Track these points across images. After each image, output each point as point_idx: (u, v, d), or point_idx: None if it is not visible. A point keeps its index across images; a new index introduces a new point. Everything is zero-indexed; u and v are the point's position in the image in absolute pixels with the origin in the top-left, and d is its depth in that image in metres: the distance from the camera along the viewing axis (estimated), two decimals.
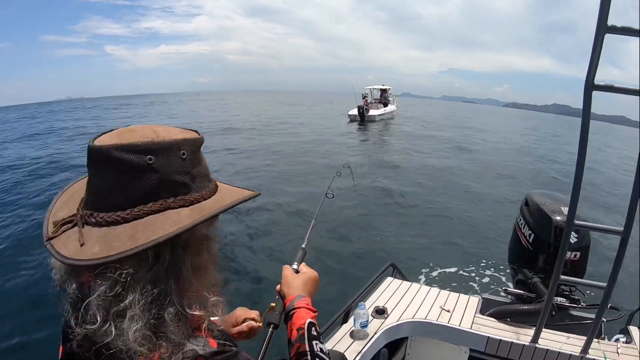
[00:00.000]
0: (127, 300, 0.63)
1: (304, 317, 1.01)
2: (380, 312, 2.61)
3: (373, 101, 35.72)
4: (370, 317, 2.53)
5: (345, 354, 2.04)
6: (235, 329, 1.16)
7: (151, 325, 0.64)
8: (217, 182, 0.80)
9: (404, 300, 2.76)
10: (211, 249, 0.76)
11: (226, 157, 14.74)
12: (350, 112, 33.07)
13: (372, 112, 32.43)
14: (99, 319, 0.62)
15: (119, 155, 0.64)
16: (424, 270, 6.04)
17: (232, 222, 7.46)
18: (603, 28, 1.43)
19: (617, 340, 2.41)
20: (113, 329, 0.62)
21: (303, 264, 1.23)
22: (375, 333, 2.42)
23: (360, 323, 2.36)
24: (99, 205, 0.68)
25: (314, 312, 1.05)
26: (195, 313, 0.69)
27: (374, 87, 37.57)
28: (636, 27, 1.41)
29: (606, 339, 2.43)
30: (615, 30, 1.43)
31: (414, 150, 17.97)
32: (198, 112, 44.67)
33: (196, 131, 0.77)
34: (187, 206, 0.69)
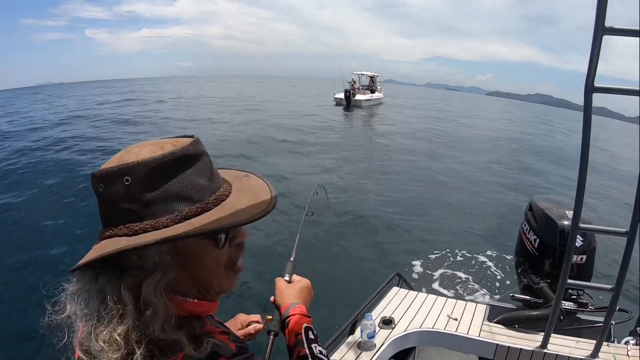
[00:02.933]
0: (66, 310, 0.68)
1: (300, 323, 1.04)
2: (387, 322, 2.59)
3: (360, 87, 35.93)
4: (377, 328, 2.51)
5: None
6: (242, 332, 1.18)
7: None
8: (227, 189, 0.77)
9: (410, 310, 2.75)
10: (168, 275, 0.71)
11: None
12: (337, 96, 33.34)
13: (358, 96, 32.63)
14: None
15: (91, 183, 0.71)
16: (429, 278, 6.01)
17: None
18: (601, 29, 1.43)
19: (627, 342, 2.39)
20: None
21: (294, 275, 1.26)
22: (382, 344, 2.40)
23: (367, 334, 2.34)
24: None
25: (309, 317, 1.08)
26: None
27: (363, 72, 37.73)
28: (634, 27, 1.42)
29: (616, 342, 2.41)
30: (613, 31, 1.43)
31: (406, 147, 17.87)
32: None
33: (188, 144, 0.72)
34: (130, 235, 0.67)
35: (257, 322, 1.22)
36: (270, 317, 1.17)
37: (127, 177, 0.66)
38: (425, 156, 15.37)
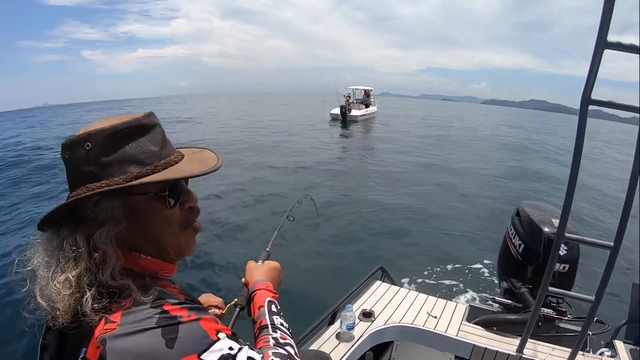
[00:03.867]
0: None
1: (264, 297, 1.08)
2: (367, 315, 2.60)
3: (355, 101, 35.87)
4: (357, 320, 2.53)
5: (330, 355, 2.04)
6: None
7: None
8: (178, 157, 0.86)
9: (391, 305, 2.76)
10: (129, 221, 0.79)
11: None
12: (333, 112, 33.24)
13: (354, 112, 32.58)
14: None
15: (61, 152, 0.81)
16: (413, 275, 6.04)
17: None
18: (603, 44, 1.43)
19: (601, 353, 2.42)
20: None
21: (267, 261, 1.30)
22: (361, 336, 2.42)
23: (347, 325, 2.36)
24: None
25: (274, 293, 1.12)
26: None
27: (357, 87, 37.75)
28: (635, 43, 1.41)
29: (591, 352, 2.44)
30: (615, 46, 1.43)
31: (398, 151, 18.06)
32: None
33: (142, 115, 0.82)
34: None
35: (218, 307, 1.26)
36: (236, 299, 1.21)
37: (87, 143, 0.76)
38: (415, 166, 15.39)
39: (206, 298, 1.28)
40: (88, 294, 0.71)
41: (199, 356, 0.70)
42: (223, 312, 1.24)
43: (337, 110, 32.08)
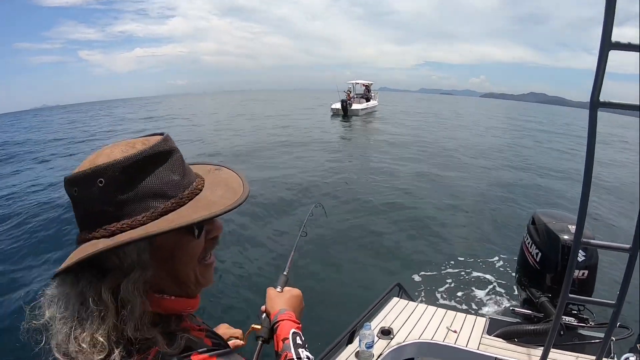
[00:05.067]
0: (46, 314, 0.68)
1: (288, 328, 1.05)
2: (386, 332, 2.58)
3: (356, 96, 36.26)
4: (376, 338, 2.50)
5: None
6: None
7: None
8: (200, 183, 0.78)
9: (410, 321, 2.73)
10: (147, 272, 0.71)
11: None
12: (334, 106, 33.53)
13: (355, 106, 32.94)
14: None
15: (65, 188, 0.71)
16: (429, 290, 5.98)
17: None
18: (607, 44, 1.43)
19: (626, 359, 2.37)
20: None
21: (286, 287, 1.27)
22: (380, 354, 2.39)
23: (366, 344, 2.33)
24: None
25: (298, 323, 1.10)
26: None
27: (358, 81, 38.10)
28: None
29: (615, 358, 2.39)
30: (620, 46, 1.43)
31: (402, 154, 17.78)
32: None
33: (158, 141, 0.72)
34: (107, 236, 0.68)
35: (238, 338, 1.21)
36: (256, 326, 1.17)
37: (100, 179, 0.66)
38: (426, 165, 15.28)
39: (224, 329, 1.22)
40: (116, 352, 0.64)
41: None
42: (244, 343, 1.20)
43: (338, 105, 32.38)
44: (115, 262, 0.68)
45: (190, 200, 0.74)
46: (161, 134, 0.76)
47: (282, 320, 1.09)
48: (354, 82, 37.64)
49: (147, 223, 0.68)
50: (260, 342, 1.15)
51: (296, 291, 1.23)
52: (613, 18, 1.39)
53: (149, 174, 0.70)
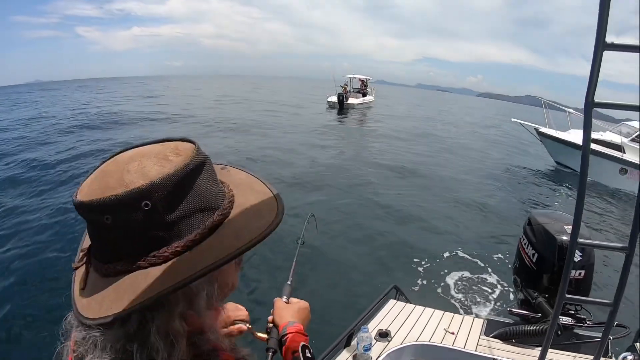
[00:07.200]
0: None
1: (297, 341, 1.06)
2: (384, 335, 2.57)
3: (352, 90, 36.07)
4: (374, 341, 2.50)
5: None
6: (226, 331, 1.10)
7: None
8: (231, 191, 0.71)
9: (407, 323, 2.73)
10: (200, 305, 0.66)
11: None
12: (330, 99, 33.27)
13: (351, 100, 32.72)
14: None
15: (85, 215, 0.62)
16: (426, 292, 5.97)
17: None
18: (602, 45, 1.44)
19: (624, 358, 2.37)
20: None
21: (292, 297, 1.27)
22: (378, 356, 2.38)
23: (364, 346, 2.32)
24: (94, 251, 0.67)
25: (306, 336, 1.11)
26: None
27: (355, 76, 37.96)
28: (635, 43, 1.42)
29: (613, 358, 2.40)
30: (614, 47, 1.44)
31: (397, 153, 17.62)
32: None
33: (194, 152, 0.64)
34: (160, 263, 0.60)
35: (244, 320, 1.16)
36: (264, 335, 1.17)
37: (146, 202, 0.57)
38: (422, 165, 15.29)
39: (234, 309, 1.13)
40: None
41: None
42: (250, 327, 1.14)
43: (334, 98, 32.11)
44: (170, 297, 0.60)
45: (231, 209, 0.68)
46: (189, 140, 0.68)
47: (291, 332, 1.09)
48: (351, 76, 37.50)
49: (201, 240, 0.62)
50: (270, 353, 1.14)
51: (304, 303, 1.23)
52: (607, 18, 1.40)
53: (191, 188, 0.63)
